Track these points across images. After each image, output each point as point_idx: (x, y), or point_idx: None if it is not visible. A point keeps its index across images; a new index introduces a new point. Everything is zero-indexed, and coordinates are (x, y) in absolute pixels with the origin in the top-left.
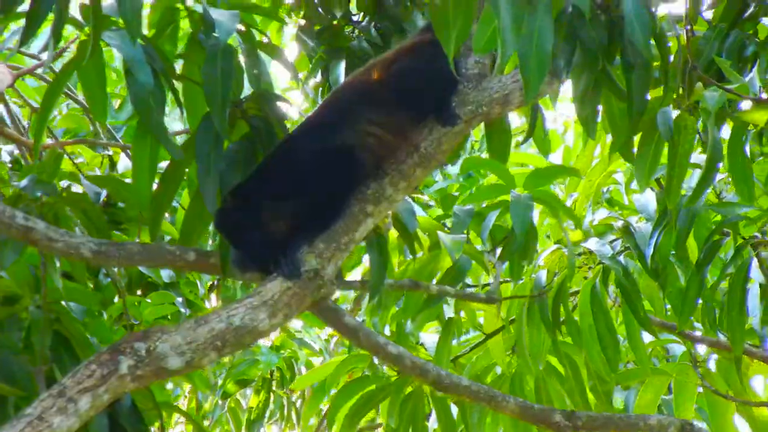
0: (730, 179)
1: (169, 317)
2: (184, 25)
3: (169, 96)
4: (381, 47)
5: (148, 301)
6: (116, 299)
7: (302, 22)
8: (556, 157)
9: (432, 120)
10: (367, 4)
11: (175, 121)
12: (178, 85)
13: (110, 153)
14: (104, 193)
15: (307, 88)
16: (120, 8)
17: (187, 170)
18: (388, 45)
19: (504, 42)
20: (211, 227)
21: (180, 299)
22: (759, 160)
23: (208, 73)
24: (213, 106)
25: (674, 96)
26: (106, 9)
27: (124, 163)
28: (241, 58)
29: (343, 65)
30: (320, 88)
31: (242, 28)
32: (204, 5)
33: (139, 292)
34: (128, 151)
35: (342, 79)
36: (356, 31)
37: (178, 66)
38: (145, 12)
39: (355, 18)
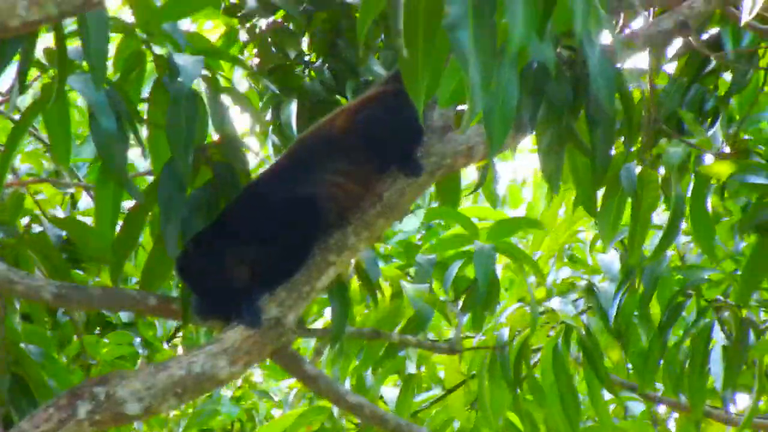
0: (692, 243)
1: (126, 357)
2: (150, 68)
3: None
4: (334, 89)
5: (106, 341)
6: (75, 338)
7: (255, 60)
8: (519, 213)
9: (396, 170)
10: (319, 46)
11: (141, 158)
12: (143, 129)
13: (72, 191)
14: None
15: (271, 138)
16: (85, 54)
17: (149, 214)
18: (341, 86)
19: (473, 98)
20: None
21: (138, 339)
22: (724, 221)
23: (172, 118)
24: (176, 150)
25: (637, 150)
26: (71, 53)
27: (85, 201)
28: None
29: (294, 105)
30: (270, 127)
31: (207, 73)
32: (169, 50)
33: (97, 331)
34: (91, 191)
35: (293, 118)
36: (309, 71)
37: (143, 109)
38: (111, 53)
39: (307, 59)
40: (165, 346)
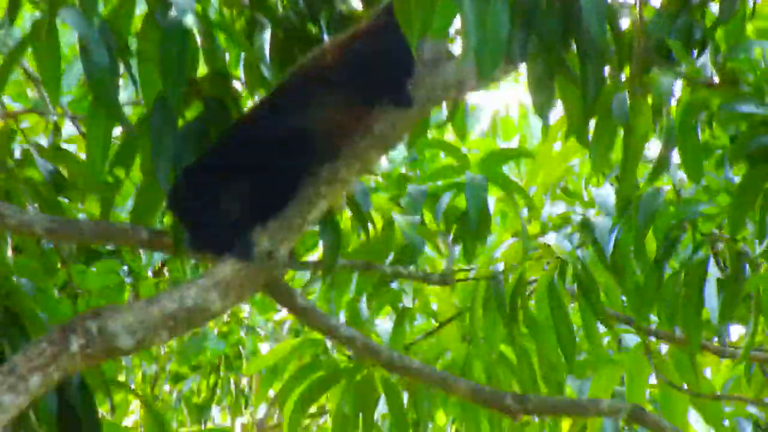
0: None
1: (111, 287)
2: (140, 3)
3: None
4: (308, 19)
5: (93, 270)
6: (59, 266)
7: None
8: (512, 145)
9: (387, 103)
10: None
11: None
12: (134, 63)
13: (55, 118)
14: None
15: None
16: None
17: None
18: (315, 18)
19: (468, 34)
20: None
21: (125, 268)
22: (717, 153)
23: (164, 52)
24: (168, 84)
25: (627, 80)
26: None
27: (69, 129)
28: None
29: (268, 33)
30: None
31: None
32: None
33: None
34: (77, 121)
35: (267, 49)
36: (283, 0)
37: (134, 44)
38: None
39: None
40: (150, 274)
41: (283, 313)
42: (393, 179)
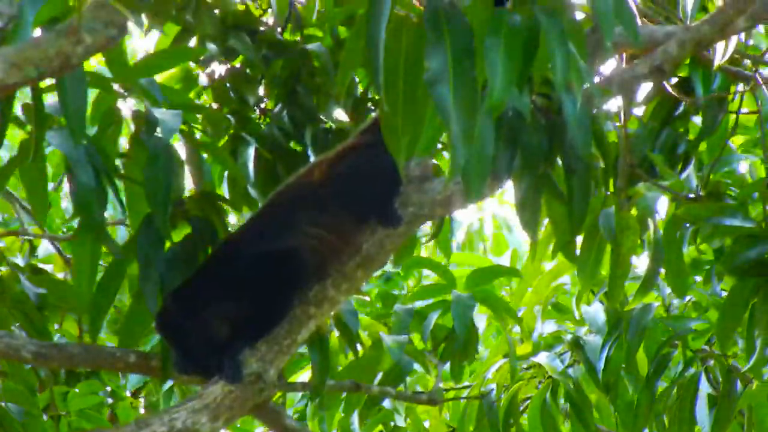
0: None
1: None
2: (127, 123)
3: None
4: (293, 135)
5: (76, 390)
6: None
7: (214, 105)
8: (503, 261)
9: (375, 222)
10: (278, 92)
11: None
12: (120, 184)
13: (31, 237)
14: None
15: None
16: (63, 110)
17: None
18: (300, 133)
19: (455, 151)
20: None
21: (107, 388)
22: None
23: (150, 173)
24: (154, 205)
25: (612, 194)
26: (48, 107)
27: (44, 248)
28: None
29: (252, 150)
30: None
31: (184, 127)
32: (147, 105)
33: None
34: (56, 242)
35: (251, 165)
36: (266, 117)
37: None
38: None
39: (265, 105)
40: (128, 393)
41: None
42: (379, 298)
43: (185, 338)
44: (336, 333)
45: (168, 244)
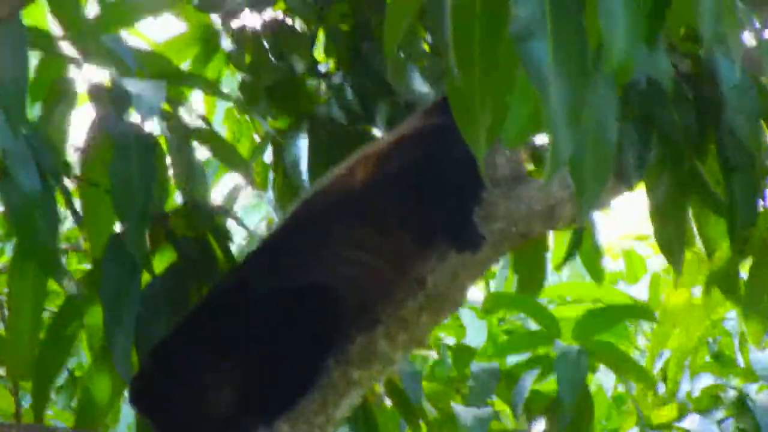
0: None
1: None
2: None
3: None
4: (361, 115)
5: None
6: None
7: (245, 77)
8: (640, 290)
9: (444, 243)
10: (339, 53)
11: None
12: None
13: None
14: None
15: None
16: None
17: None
18: (370, 113)
19: (555, 136)
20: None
21: None
22: None
23: (119, 173)
24: (126, 220)
25: None
26: None
27: None
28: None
29: (305, 141)
30: (269, 175)
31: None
32: (113, 74)
33: None
34: None
35: (304, 161)
36: (324, 90)
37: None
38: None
39: (321, 72)
40: None
41: None
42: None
43: (173, 414)
44: (389, 404)
45: (146, 277)
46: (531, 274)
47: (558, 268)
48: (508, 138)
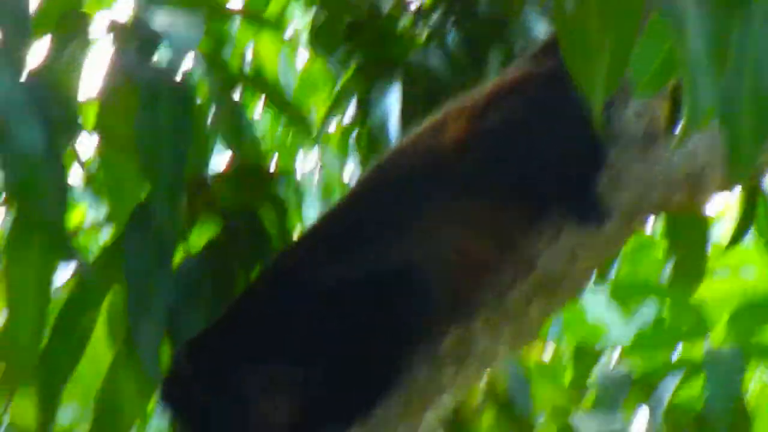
0: None
1: None
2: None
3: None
4: (466, 64)
5: None
6: None
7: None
8: None
9: (559, 215)
10: None
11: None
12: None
13: None
14: None
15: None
16: None
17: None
18: (479, 58)
19: (694, 83)
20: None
21: None
22: None
23: (147, 128)
24: (156, 186)
25: None
26: None
27: None
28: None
29: (396, 95)
30: (352, 134)
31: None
32: (137, 6)
33: None
34: None
35: (394, 117)
36: (420, 31)
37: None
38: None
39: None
40: None
41: None
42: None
43: (211, 422)
44: (492, 414)
45: (180, 255)
46: (691, 259)
47: (731, 245)
48: (640, 85)
